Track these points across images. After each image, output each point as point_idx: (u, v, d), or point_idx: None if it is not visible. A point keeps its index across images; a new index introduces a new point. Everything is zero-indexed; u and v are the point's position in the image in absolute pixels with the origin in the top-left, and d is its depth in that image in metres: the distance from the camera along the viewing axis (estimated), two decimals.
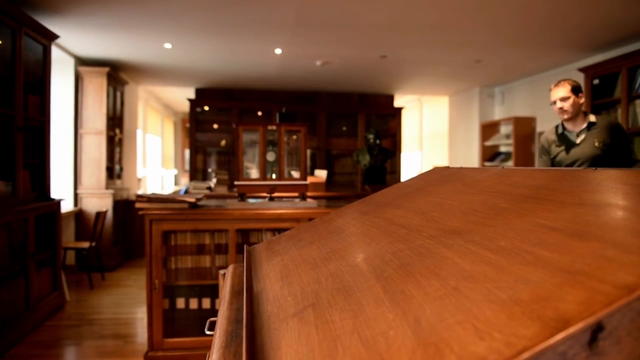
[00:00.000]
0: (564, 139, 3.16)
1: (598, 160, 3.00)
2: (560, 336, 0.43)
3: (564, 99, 3.04)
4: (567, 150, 3.12)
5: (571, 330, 0.43)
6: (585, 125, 3.07)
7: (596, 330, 0.44)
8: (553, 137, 3.23)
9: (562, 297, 0.49)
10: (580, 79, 5.28)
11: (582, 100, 3.10)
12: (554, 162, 3.22)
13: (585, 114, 3.14)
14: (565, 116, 3.07)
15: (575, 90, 3.08)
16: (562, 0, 3.78)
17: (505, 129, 7.26)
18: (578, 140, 3.08)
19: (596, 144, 3.01)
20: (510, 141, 6.83)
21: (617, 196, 0.77)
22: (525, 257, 0.62)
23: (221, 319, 1.02)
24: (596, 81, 5.12)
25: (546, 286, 0.52)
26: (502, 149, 7.37)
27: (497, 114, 7.69)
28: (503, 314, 0.50)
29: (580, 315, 0.44)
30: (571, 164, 3.09)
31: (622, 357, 0.45)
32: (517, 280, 0.56)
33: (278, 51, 5.46)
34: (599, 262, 0.53)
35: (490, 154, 7.46)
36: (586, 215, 0.70)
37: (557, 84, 3.11)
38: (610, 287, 0.47)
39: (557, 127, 3.22)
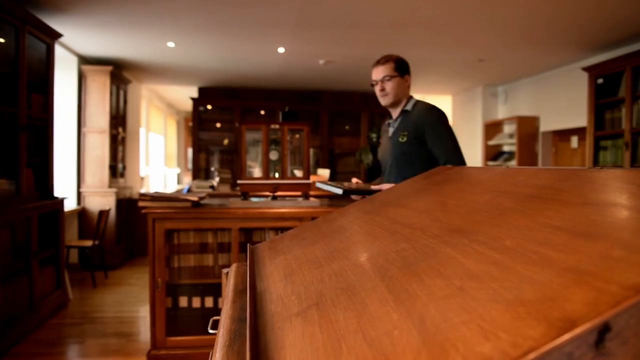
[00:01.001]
0: (384, 131, 2.63)
1: (402, 161, 2.40)
2: (566, 337, 0.43)
3: (386, 79, 2.44)
4: (384, 145, 2.57)
5: (578, 330, 0.43)
6: (398, 113, 2.49)
7: (603, 331, 0.43)
8: (385, 127, 2.66)
9: (568, 298, 0.48)
10: (584, 78, 5.27)
11: (409, 83, 2.52)
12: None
13: (411, 100, 2.52)
14: (385, 101, 2.47)
15: (400, 68, 2.47)
16: None
17: (508, 129, 7.24)
18: (390, 133, 2.53)
19: (401, 139, 2.40)
20: (514, 140, 6.81)
21: (624, 196, 0.76)
22: (530, 256, 0.62)
23: (224, 318, 1.01)
24: (600, 80, 5.10)
25: (552, 286, 0.52)
26: (506, 148, 7.35)
27: (501, 113, 7.67)
28: (509, 314, 0.50)
29: (586, 315, 0.44)
30: (385, 165, 2.54)
31: (629, 358, 0.44)
32: (523, 280, 0.56)
33: (281, 50, 5.45)
34: (605, 262, 0.53)
35: (493, 154, 7.44)
36: (592, 215, 0.70)
37: (378, 61, 2.50)
38: (617, 287, 0.47)
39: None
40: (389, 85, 2.42)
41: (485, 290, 0.57)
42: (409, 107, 2.48)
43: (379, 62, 2.48)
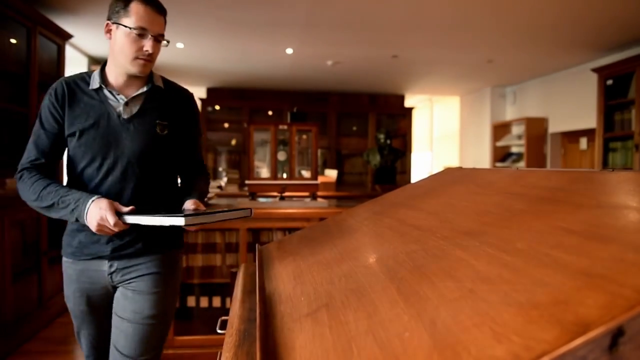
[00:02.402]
0: (91, 101, 1.55)
1: (154, 161, 1.59)
2: (580, 340, 0.42)
3: (160, 38, 1.52)
4: (96, 125, 1.53)
5: (591, 334, 0.43)
6: (145, 88, 1.58)
7: (617, 335, 0.43)
8: (62, 89, 1.55)
9: (581, 301, 0.48)
10: (594, 79, 5.23)
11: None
12: (53, 140, 1.55)
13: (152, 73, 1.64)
14: (145, 70, 1.53)
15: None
16: (575, 0, 3.74)
17: (517, 130, 7.20)
18: (126, 113, 1.55)
19: (159, 130, 1.58)
20: (522, 142, 6.77)
21: (636, 199, 0.76)
22: (542, 259, 0.61)
23: (233, 318, 1.02)
24: (610, 82, 5.06)
25: (565, 289, 0.51)
26: (514, 149, 7.31)
27: (509, 114, 7.63)
28: (521, 317, 0.50)
29: (600, 319, 0.44)
30: (94, 159, 1.54)
31: None
32: (535, 283, 0.56)
33: (289, 51, 5.46)
34: (618, 265, 0.52)
35: (501, 155, 7.40)
36: (604, 217, 0.69)
37: (159, 7, 1.52)
38: (631, 291, 0.46)
39: (86, 75, 1.60)
40: (158, 49, 1.52)
41: (496, 292, 0.57)
42: (159, 83, 1.62)
43: (159, 9, 1.51)
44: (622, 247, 0.57)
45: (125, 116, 1.54)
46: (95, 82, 1.53)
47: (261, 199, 3.44)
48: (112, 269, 1.58)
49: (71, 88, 1.53)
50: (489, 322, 0.51)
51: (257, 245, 1.45)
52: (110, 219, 1.37)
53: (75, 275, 1.61)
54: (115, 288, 1.62)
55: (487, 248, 0.72)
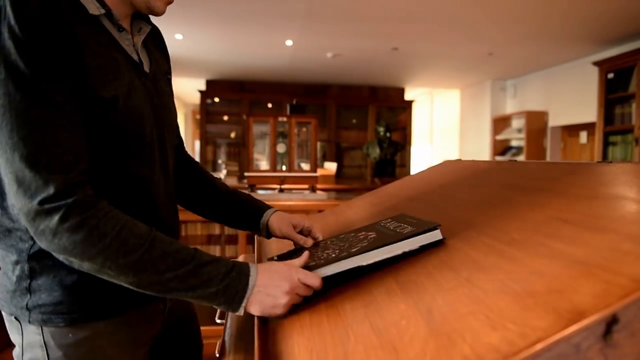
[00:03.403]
0: (102, 39, 0.82)
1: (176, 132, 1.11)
2: (574, 328, 0.43)
3: None
4: (131, 85, 0.86)
5: (585, 322, 0.43)
6: (145, 26, 0.96)
7: (611, 323, 0.44)
8: (59, 8, 0.74)
9: (576, 289, 0.48)
10: (595, 73, 5.22)
11: None
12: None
13: None
14: (164, 8, 0.93)
15: None
16: None
17: (517, 123, 7.19)
18: (145, 64, 0.94)
19: (168, 89, 1.05)
20: (522, 135, 6.77)
21: (633, 190, 0.76)
22: (538, 249, 0.62)
23: None
24: (611, 75, 5.05)
25: (560, 278, 0.52)
26: (514, 143, 7.31)
27: (509, 107, 7.62)
28: (517, 306, 0.50)
29: (594, 307, 0.44)
30: (141, 144, 0.88)
31: (637, 349, 0.44)
32: (531, 272, 0.56)
33: (289, 43, 5.44)
34: (614, 254, 0.53)
35: (501, 148, 7.40)
36: (601, 208, 0.69)
37: None
38: (626, 279, 0.47)
39: None
40: None
41: (492, 281, 0.58)
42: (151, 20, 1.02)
43: None
44: (618, 236, 0.57)
45: (146, 68, 0.93)
46: (94, 5, 0.81)
47: (260, 191, 3.45)
48: (169, 304, 1.00)
49: (64, 13, 0.74)
50: (485, 310, 0.51)
51: (256, 236, 1.45)
52: (314, 279, 0.78)
53: (126, 343, 0.88)
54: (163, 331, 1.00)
55: (485, 238, 0.73)
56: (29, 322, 0.81)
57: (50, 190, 0.68)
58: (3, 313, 0.85)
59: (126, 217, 0.74)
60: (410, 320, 0.56)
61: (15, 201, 0.71)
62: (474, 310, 0.52)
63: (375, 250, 0.76)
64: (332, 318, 0.66)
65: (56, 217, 0.68)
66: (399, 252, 0.76)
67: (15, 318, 0.83)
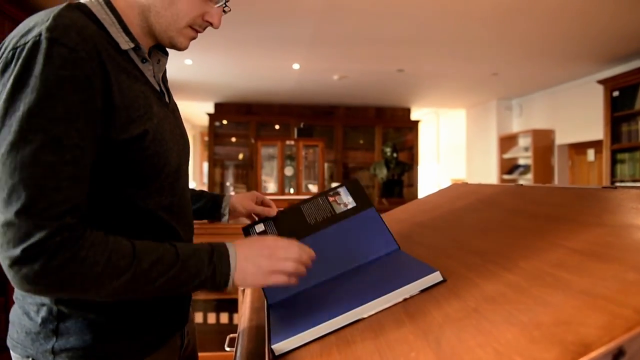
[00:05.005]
0: (132, 72, 0.85)
1: None
2: None
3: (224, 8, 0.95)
4: (157, 117, 0.87)
5: (592, 354, 0.44)
6: (163, 58, 0.98)
7: (617, 355, 0.44)
8: (95, 52, 0.74)
9: (582, 321, 0.49)
10: (600, 91, 5.23)
11: None
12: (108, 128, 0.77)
13: None
14: (186, 47, 0.94)
15: None
16: (580, 12, 3.76)
17: (523, 142, 7.19)
18: (165, 94, 0.97)
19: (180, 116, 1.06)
20: (529, 154, 6.76)
21: (638, 217, 0.77)
22: (545, 279, 0.62)
23: (241, 336, 1.03)
24: (616, 93, 5.06)
25: (566, 309, 0.53)
26: (521, 161, 7.29)
27: (515, 126, 7.63)
28: (523, 337, 0.51)
29: (600, 340, 0.45)
30: (176, 166, 0.92)
31: None
32: (537, 303, 0.57)
33: (296, 66, 5.51)
34: (619, 285, 0.53)
35: (508, 167, 7.39)
36: (607, 236, 0.70)
37: None
38: (631, 311, 0.47)
39: (93, 17, 0.81)
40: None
41: (499, 312, 0.58)
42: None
43: None
44: (623, 266, 0.58)
45: (166, 99, 0.96)
46: (124, 38, 0.84)
47: None
48: (187, 340, 1.02)
49: (99, 50, 0.76)
50: (493, 342, 0.52)
51: None
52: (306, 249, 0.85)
53: None
54: None
55: (491, 266, 0.74)
56: None
57: (39, 235, 0.66)
58: (14, 355, 0.84)
59: (111, 239, 0.73)
60: (420, 352, 0.57)
61: None
62: (482, 342, 0.53)
63: (375, 301, 0.74)
64: (342, 349, 0.67)
65: (41, 260, 0.66)
66: (400, 299, 0.75)
67: None
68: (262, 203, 1.17)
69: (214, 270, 0.78)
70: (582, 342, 0.46)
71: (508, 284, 0.65)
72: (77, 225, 0.70)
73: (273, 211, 1.14)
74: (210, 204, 1.19)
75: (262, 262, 0.80)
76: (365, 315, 0.74)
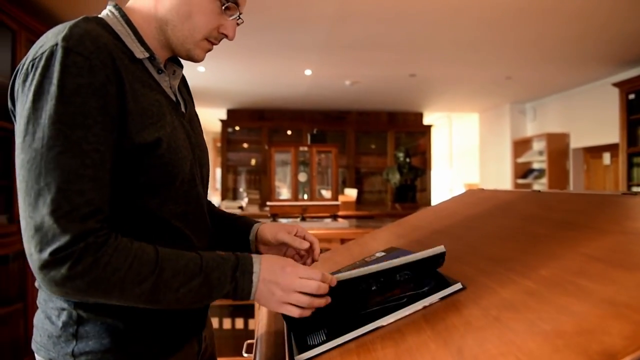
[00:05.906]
0: (146, 81, 0.88)
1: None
2: None
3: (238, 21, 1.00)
4: (171, 126, 0.89)
5: None
6: (178, 70, 1.01)
7: None
8: (110, 59, 0.78)
9: (606, 330, 0.49)
10: (615, 94, 5.17)
11: None
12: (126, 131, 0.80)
13: None
14: (202, 59, 0.99)
15: None
16: (595, 14, 3.73)
17: (537, 146, 7.13)
18: (182, 104, 1.00)
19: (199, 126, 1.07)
20: (544, 158, 6.70)
21: None
22: (567, 287, 0.62)
23: (259, 343, 1.04)
24: (632, 96, 4.99)
25: (590, 318, 0.52)
26: (535, 165, 7.23)
27: (529, 130, 7.57)
28: (547, 346, 0.51)
29: (625, 349, 0.45)
30: (194, 178, 0.95)
31: None
32: (560, 312, 0.57)
33: (308, 72, 5.54)
34: None
35: (523, 171, 7.33)
36: (629, 244, 0.70)
37: None
38: None
39: (108, 27, 0.86)
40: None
41: (522, 321, 0.58)
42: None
43: None
44: None
45: (183, 109, 0.98)
46: (139, 48, 0.87)
47: (282, 220, 3.47)
48: (204, 345, 1.03)
49: (114, 58, 0.79)
50: (515, 351, 0.52)
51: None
52: (315, 274, 0.81)
53: None
54: None
55: (512, 275, 0.73)
56: None
57: (65, 239, 0.68)
58: (38, 357, 0.86)
59: (135, 245, 0.76)
60: None
61: (26, 245, 0.71)
62: (505, 351, 0.53)
63: (396, 312, 0.75)
64: (362, 356, 0.67)
65: (68, 264, 0.69)
66: (420, 307, 0.76)
67: None
68: (297, 234, 1.05)
69: (236, 286, 0.80)
70: (606, 352, 0.45)
71: (529, 291, 0.65)
72: (101, 230, 0.73)
73: (305, 244, 1.04)
74: (238, 231, 1.12)
75: (276, 290, 0.79)
76: (384, 324, 0.74)
